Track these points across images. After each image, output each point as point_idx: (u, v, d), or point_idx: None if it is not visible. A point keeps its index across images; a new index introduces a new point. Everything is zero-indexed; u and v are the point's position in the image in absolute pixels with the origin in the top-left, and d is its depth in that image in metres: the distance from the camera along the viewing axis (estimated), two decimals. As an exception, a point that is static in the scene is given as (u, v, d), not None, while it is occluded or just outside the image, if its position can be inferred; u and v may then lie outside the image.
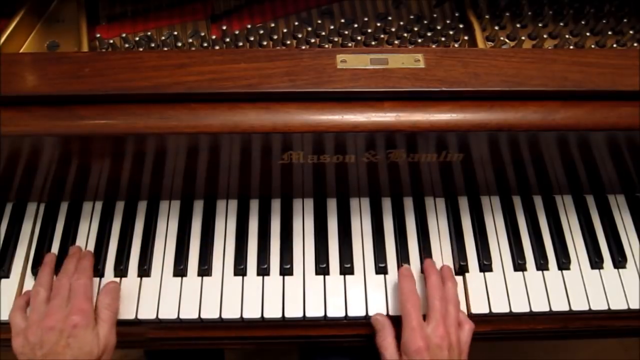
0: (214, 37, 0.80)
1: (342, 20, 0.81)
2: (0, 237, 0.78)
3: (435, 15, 0.85)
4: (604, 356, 1.52)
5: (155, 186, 0.78)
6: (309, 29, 0.81)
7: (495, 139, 0.69)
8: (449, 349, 0.65)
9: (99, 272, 0.75)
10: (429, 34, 0.82)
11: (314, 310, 0.73)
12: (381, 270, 0.76)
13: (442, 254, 0.78)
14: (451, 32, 0.81)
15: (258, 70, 0.65)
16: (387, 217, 0.81)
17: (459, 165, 0.74)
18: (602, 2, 0.85)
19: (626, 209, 0.83)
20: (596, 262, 0.77)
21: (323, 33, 0.80)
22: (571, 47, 0.81)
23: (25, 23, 0.80)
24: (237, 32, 0.80)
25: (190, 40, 0.80)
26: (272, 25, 0.81)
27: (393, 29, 0.81)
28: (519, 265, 0.77)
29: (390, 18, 0.82)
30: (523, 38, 0.81)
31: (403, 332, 0.67)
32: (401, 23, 0.83)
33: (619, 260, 0.77)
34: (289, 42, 0.81)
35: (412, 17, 0.84)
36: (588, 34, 0.82)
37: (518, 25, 0.84)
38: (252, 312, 0.73)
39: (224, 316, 0.72)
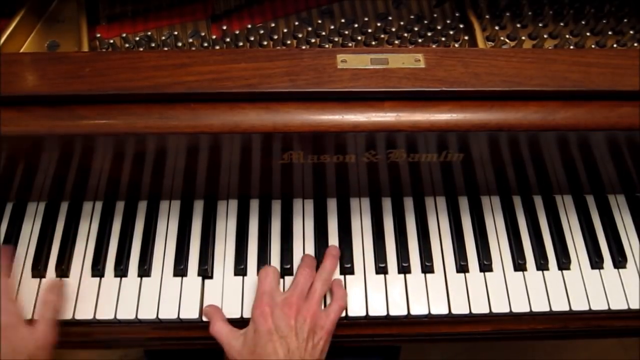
0: (214, 37, 0.80)
1: (342, 20, 0.81)
2: (0, 237, 0.78)
3: (435, 15, 0.85)
4: (604, 356, 1.52)
5: (156, 186, 0.78)
6: (309, 29, 0.81)
7: (496, 139, 0.69)
8: (297, 320, 0.64)
9: (99, 272, 0.75)
10: (429, 34, 0.82)
11: (314, 310, 0.73)
12: (381, 270, 0.76)
13: (442, 253, 0.78)
14: (451, 32, 0.81)
15: (258, 70, 0.65)
16: (387, 217, 0.81)
17: (459, 165, 0.74)
18: (602, 2, 0.85)
19: (626, 209, 0.83)
20: (596, 262, 0.77)
21: (323, 33, 0.80)
22: (571, 47, 0.81)
23: (25, 23, 0.79)
24: (237, 32, 0.80)
25: (191, 40, 0.80)
26: (272, 25, 0.81)
27: (393, 29, 0.82)
28: (519, 265, 0.77)
29: (390, 18, 0.82)
30: (523, 38, 0.81)
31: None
32: (401, 23, 0.83)
33: (619, 260, 0.77)
34: (289, 42, 0.81)
35: (412, 17, 0.84)
36: (588, 34, 0.82)
37: (518, 25, 0.84)
38: (252, 312, 0.73)
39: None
